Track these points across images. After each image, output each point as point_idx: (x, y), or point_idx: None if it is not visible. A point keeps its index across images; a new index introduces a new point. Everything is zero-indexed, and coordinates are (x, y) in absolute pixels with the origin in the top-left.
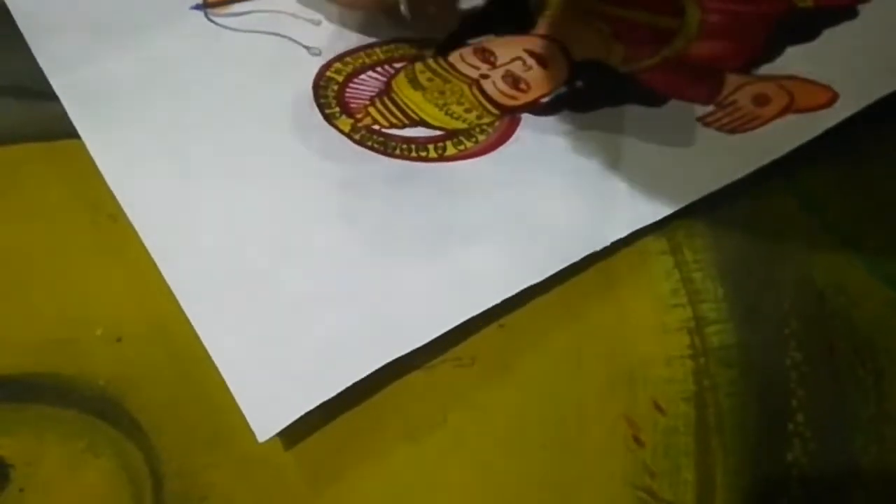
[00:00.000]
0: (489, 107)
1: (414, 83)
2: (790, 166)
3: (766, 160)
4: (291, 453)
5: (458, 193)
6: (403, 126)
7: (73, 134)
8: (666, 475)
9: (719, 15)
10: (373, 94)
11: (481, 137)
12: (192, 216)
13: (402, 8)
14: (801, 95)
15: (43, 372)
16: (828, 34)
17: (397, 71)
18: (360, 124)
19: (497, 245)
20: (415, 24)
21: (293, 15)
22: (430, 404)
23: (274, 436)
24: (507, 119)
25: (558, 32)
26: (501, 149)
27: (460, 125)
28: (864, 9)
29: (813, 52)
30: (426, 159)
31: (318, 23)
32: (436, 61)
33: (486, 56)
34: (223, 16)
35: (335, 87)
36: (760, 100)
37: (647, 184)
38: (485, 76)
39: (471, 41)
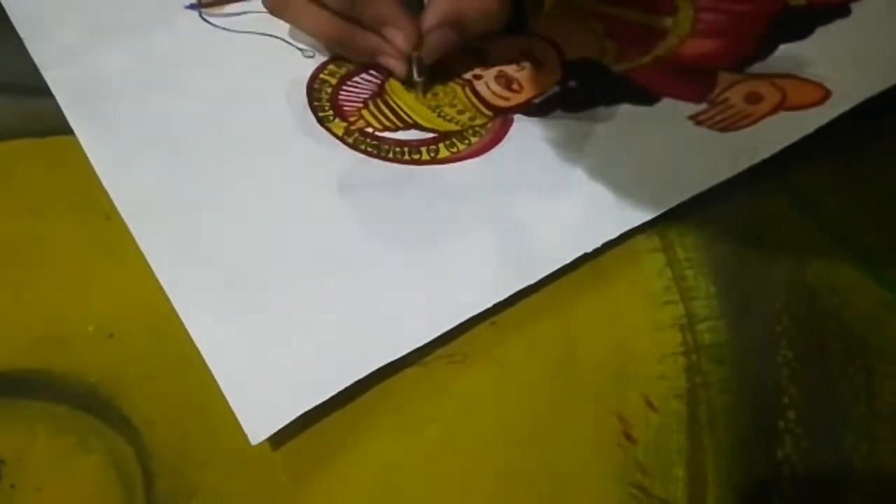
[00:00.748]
0: (482, 108)
1: (407, 85)
2: (782, 164)
3: (757, 158)
4: (283, 449)
5: (450, 196)
6: (396, 129)
7: (66, 130)
8: (658, 472)
9: (712, 13)
10: (366, 96)
11: (474, 139)
12: (185, 215)
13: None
14: (794, 93)
15: (34, 368)
16: (821, 32)
17: (390, 73)
18: (353, 127)
19: (490, 247)
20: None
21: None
22: (423, 400)
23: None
24: (499, 120)
25: (551, 32)
26: (493, 151)
27: (453, 127)
28: (856, 7)
29: (805, 50)
30: (419, 162)
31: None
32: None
33: (480, 57)
34: (217, 15)
35: (329, 90)
36: (752, 98)
37: (640, 183)
38: (478, 77)
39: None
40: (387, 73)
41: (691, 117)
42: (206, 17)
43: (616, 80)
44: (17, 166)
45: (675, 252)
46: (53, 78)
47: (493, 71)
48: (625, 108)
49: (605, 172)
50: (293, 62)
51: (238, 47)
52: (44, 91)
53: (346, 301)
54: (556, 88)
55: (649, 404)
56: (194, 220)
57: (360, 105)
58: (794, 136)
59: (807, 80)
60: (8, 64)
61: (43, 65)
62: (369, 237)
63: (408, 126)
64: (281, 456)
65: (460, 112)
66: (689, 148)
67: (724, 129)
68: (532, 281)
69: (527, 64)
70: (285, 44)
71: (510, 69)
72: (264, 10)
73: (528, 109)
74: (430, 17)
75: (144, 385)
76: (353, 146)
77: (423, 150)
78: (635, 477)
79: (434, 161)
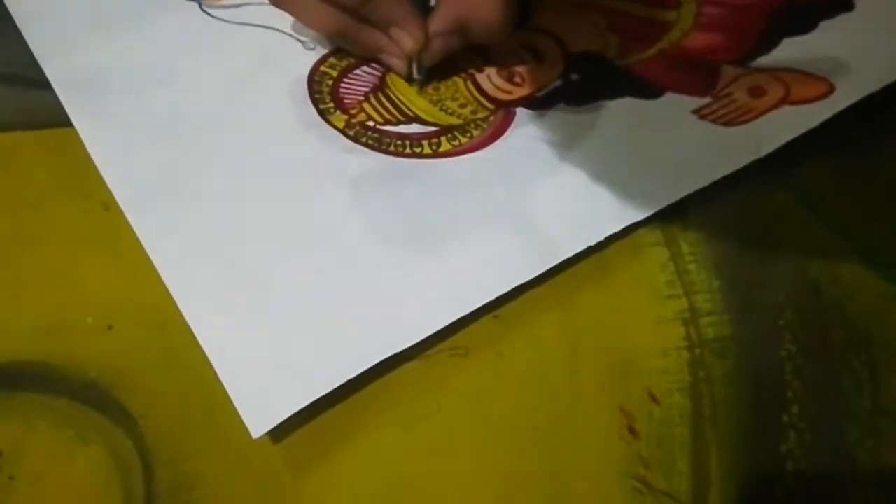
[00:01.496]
0: (484, 101)
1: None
2: (785, 158)
3: (761, 153)
4: (283, 443)
5: (452, 189)
6: (398, 122)
7: (65, 122)
8: (661, 466)
9: (715, 7)
10: (367, 89)
11: (476, 133)
12: (184, 207)
13: (416, 75)
14: (798, 87)
15: (33, 360)
16: (824, 26)
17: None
18: (354, 120)
19: (492, 241)
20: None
21: None
22: (425, 394)
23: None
24: (501, 113)
25: (553, 25)
26: (496, 144)
27: (455, 121)
28: (860, 1)
29: (809, 44)
30: (421, 155)
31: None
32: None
33: (482, 50)
34: (218, 7)
35: (329, 83)
36: (756, 92)
37: (643, 177)
38: (480, 70)
39: None
40: (388, 67)
41: (695, 111)
42: (205, 8)
43: (619, 73)
44: (16, 158)
45: (679, 246)
46: (52, 69)
47: (496, 65)
48: (628, 102)
49: (608, 166)
50: (294, 54)
51: (238, 39)
52: (42, 83)
53: (347, 294)
54: (559, 82)
55: (652, 398)
56: (194, 211)
57: (361, 98)
58: (798, 131)
59: (810, 75)
60: (6, 55)
61: (42, 56)
62: (370, 230)
63: (409, 119)
64: (282, 449)
65: (462, 105)
66: (693, 142)
67: (727, 124)
68: (535, 274)
69: (529, 57)
70: (286, 36)
71: (512, 62)
72: (265, 1)
73: (531, 103)
74: (437, 23)
75: (144, 377)
76: (355, 139)
77: (425, 143)
78: (638, 471)
79: (436, 154)
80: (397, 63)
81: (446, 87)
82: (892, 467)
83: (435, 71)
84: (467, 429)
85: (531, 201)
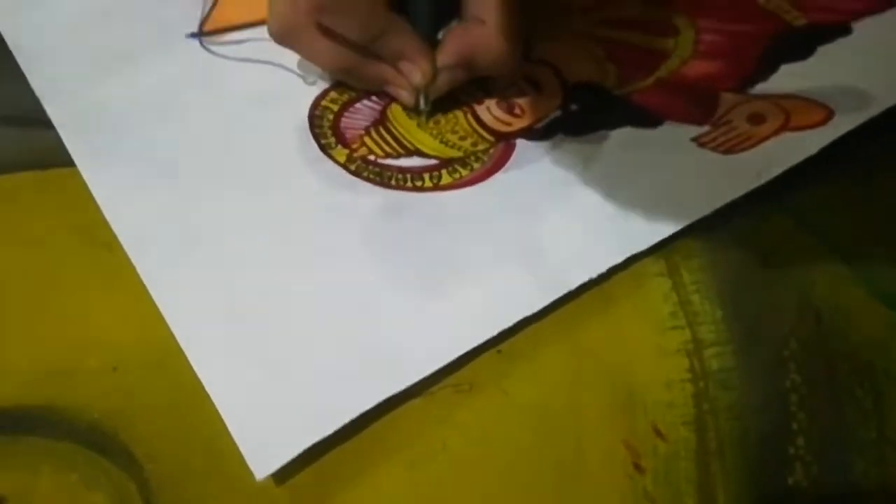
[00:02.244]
0: (484, 133)
1: (409, 112)
2: (785, 183)
3: (762, 180)
4: (287, 484)
5: (453, 223)
6: (399, 155)
7: (68, 162)
8: (667, 502)
9: (714, 34)
10: (368, 123)
11: (476, 165)
12: (188, 247)
13: (422, 106)
14: (797, 114)
15: (36, 404)
16: (822, 52)
17: (392, 100)
18: (355, 154)
19: (494, 274)
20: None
21: None
22: (430, 431)
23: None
24: (501, 145)
25: (552, 56)
26: (496, 176)
27: (455, 153)
28: (857, 26)
29: (808, 70)
30: (422, 189)
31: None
32: None
33: (481, 82)
34: (219, 44)
35: (330, 117)
36: (755, 119)
37: (644, 207)
38: (480, 102)
39: None
40: (388, 100)
41: (694, 139)
42: (206, 45)
43: (618, 102)
44: (18, 199)
45: (681, 276)
46: (55, 109)
47: (495, 96)
48: (627, 132)
49: (609, 196)
50: (295, 90)
51: (239, 76)
52: (45, 123)
53: (348, 332)
54: (558, 112)
55: (657, 432)
56: (197, 251)
57: (362, 132)
58: (798, 157)
59: (810, 101)
60: (8, 96)
61: (44, 96)
62: (372, 266)
63: (410, 153)
64: (286, 490)
65: (462, 138)
66: (693, 170)
67: (727, 151)
68: (538, 308)
69: (528, 88)
70: (287, 72)
71: (512, 94)
72: (265, 38)
73: (531, 134)
74: (445, 57)
75: (148, 419)
76: (356, 174)
77: (426, 176)
78: None
79: (437, 188)
80: (404, 95)
81: (447, 120)
82: None
83: (437, 103)
84: (472, 467)
85: (533, 233)
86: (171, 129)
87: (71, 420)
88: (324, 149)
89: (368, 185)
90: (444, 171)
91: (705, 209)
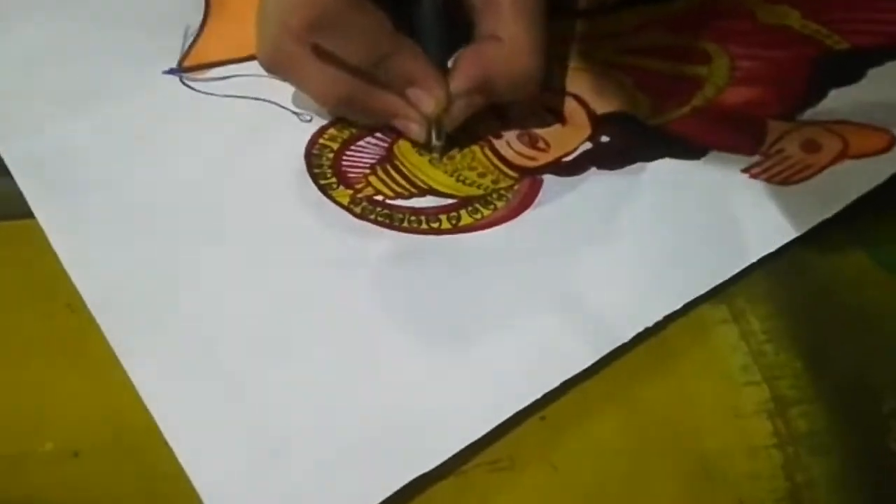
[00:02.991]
0: (505, 169)
1: (418, 147)
2: (852, 215)
3: (828, 212)
4: None
5: (478, 269)
6: (410, 195)
7: (27, 213)
8: None
9: (750, 61)
10: (373, 161)
11: (500, 204)
12: (165, 307)
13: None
14: (856, 140)
15: None
16: (873, 74)
17: (399, 135)
18: (360, 195)
19: (531, 327)
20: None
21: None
22: None
23: None
24: (527, 181)
25: (575, 85)
26: (524, 215)
27: (475, 191)
28: None
29: (860, 94)
30: (439, 231)
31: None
32: None
33: (498, 114)
34: (201, 80)
35: (330, 156)
36: (810, 146)
37: (698, 246)
38: (498, 135)
39: None
40: (395, 135)
41: (745, 170)
42: (187, 82)
43: (654, 133)
44: None
45: (749, 322)
46: (11, 151)
47: (515, 129)
48: (668, 163)
49: (656, 235)
50: (289, 128)
51: (225, 114)
52: (4, 170)
53: (361, 403)
54: (588, 145)
55: None
56: (176, 312)
57: (367, 171)
58: (865, 187)
59: (867, 126)
60: None
61: (1, 140)
62: (386, 323)
63: (423, 192)
64: None
65: (481, 175)
66: (749, 204)
67: (784, 182)
68: (586, 365)
69: (552, 119)
70: (279, 108)
71: (534, 126)
72: (254, 73)
73: (558, 169)
74: (460, 81)
75: None
76: (362, 216)
77: (443, 217)
78: None
79: (456, 229)
80: (414, 129)
81: (462, 156)
82: None
83: (450, 138)
84: None
85: (573, 279)
86: (146, 175)
87: None
88: (324, 190)
89: (377, 229)
90: (463, 212)
91: (768, 246)
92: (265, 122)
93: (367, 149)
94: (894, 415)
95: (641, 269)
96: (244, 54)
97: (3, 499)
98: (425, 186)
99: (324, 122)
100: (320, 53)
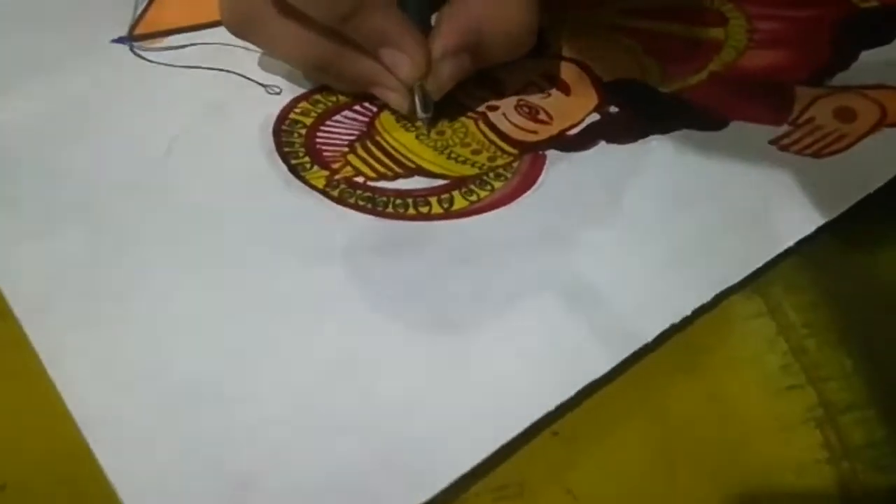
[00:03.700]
0: (503, 145)
1: (403, 122)
2: (891, 191)
3: (869, 188)
4: None
5: (475, 259)
6: (395, 176)
7: None
8: None
9: (770, 21)
10: (352, 137)
11: (498, 184)
12: (109, 312)
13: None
14: (895, 106)
15: None
16: None
17: (382, 107)
18: (338, 177)
19: (539, 325)
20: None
21: (245, 48)
22: None
23: None
24: (528, 158)
25: (578, 51)
26: (527, 196)
27: (469, 170)
28: None
29: (894, 55)
30: (429, 217)
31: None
32: None
33: (492, 83)
34: (155, 50)
35: (302, 132)
36: (844, 114)
37: (725, 228)
38: (493, 107)
39: None
40: (378, 107)
41: (773, 142)
42: (138, 51)
43: (669, 101)
44: None
45: (786, 315)
46: None
47: (512, 100)
48: (686, 135)
49: (676, 218)
50: (254, 101)
51: (181, 87)
52: None
53: (340, 422)
54: (595, 116)
55: None
56: (119, 317)
57: (346, 149)
58: None
59: None
60: None
61: None
62: (372, 325)
63: (410, 172)
64: None
65: (476, 151)
66: (780, 180)
67: (816, 154)
68: (604, 370)
69: (553, 89)
70: (243, 79)
71: (533, 97)
72: (216, 41)
73: (563, 143)
74: (443, 40)
75: None
76: (339, 200)
77: (433, 200)
78: None
79: (449, 214)
80: (395, 98)
81: (453, 131)
82: None
83: (439, 109)
84: None
85: (584, 270)
86: (88, 159)
87: None
88: (295, 171)
89: (358, 215)
90: (455, 193)
91: (805, 228)
92: (228, 96)
93: (345, 123)
94: None
95: (662, 257)
96: (205, 20)
97: None
98: (412, 165)
99: (295, 94)
100: (287, 11)
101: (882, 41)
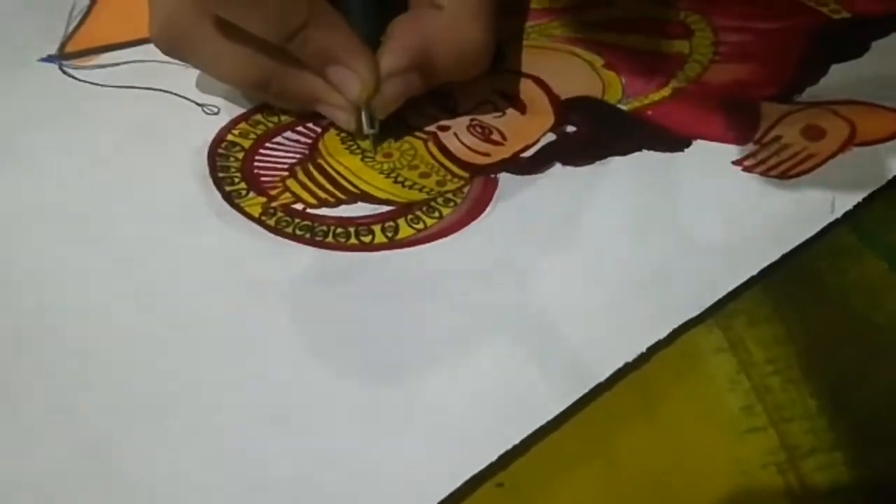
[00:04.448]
0: (454, 168)
1: (349, 143)
2: (864, 213)
3: (836, 212)
4: None
5: (420, 292)
6: (337, 203)
7: None
8: None
9: (737, 34)
10: (293, 160)
11: (446, 210)
12: (17, 348)
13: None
14: (865, 123)
15: None
16: (878, 47)
17: (325, 128)
18: (275, 204)
19: (483, 369)
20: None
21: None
22: None
23: None
24: (479, 182)
25: (534, 66)
26: (476, 224)
27: (416, 195)
28: None
29: (866, 69)
30: (370, 247)
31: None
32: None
33: (443, 101)
34: (85, 68)
35: (239, 155)
36: (812, 133)
37: (685, 256)
38: (444, 127)
39: None
40: (322, 127)
41: (737, 162)
42: (68, 70)
43: (628, 120)
44: None
45: (748, 350)
46: None
47: (464, 119)
48: (645, 157)
49: (634, 245)
50: (189, 122)
51: (112, 107)
52: None
53: (273, 474)
54: (551, 136)
55: None
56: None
57: (284, 173)
58: (878, 180)
59: (877, 106)
60: None
61: None
62: (305, 364)
63: (353, 197)
64: None
65: (424, 175)
66: (744, 204)
67: (783, 175)
68: (553, 413)
69: (508, 107)
70: (179, 98)
71: (486, 116)
72: (150, 58)
73: (516, 165)
74: (391, 59)
75: None
76: (276, 230)
77: (377, 229)
78: None
79: (392, 244)
80: (341, 116)
81: (402, 152)
82: None
83: (385, 128)
84: None
85: (535, 302)
86: (9, 183)
87: None
88: (230, 198)
89: (295, 245)
90: (401, 221)
91: (769, 255)
92: (161, 117)
93: (286, 146)
94: None
95: (618, 289)
96: (141, 35)
97: None
98: (356, 191)
99: (234, 114)
100: (223, 27)
101: (853, 54)
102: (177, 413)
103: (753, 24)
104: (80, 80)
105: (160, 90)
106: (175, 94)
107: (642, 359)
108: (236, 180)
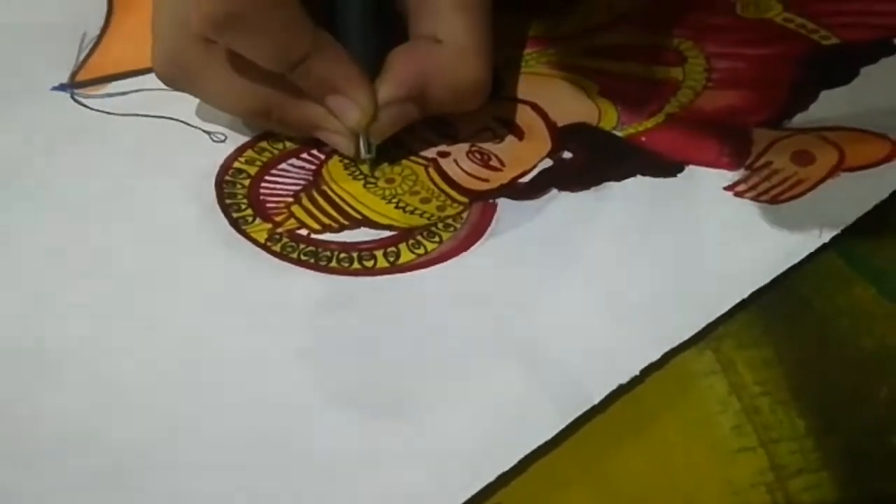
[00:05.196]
0: (453, 193)
1: (352, 170)
2: (852, 237)
3: (824, 237)
4: None
5: (421, 316)
6: (340, 228)
7: None
8: None
9: (729, 60)
10: (297, 187)
11: (446, 235)
12: (27, 377)
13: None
14: (854, 149)
15: None
16: (867, 73)
17: (329, 155)
18: (280, 230)
19: (483, 389)
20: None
21: None
22: None
23: None
24: (478, 207)
25: (532, 93)
26: (474, 248)
27: (417, 221)
28: None
29: (855, 95)
30: (373, 271)
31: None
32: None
33: (444, 128)
34: (96, 97)
35: (246, 182)
36: (802, 158)
37: (676, 281)
38: (444, 154)
39: None
40: (326, 154)
41: (728, 188)
42: (79, 98)
43: (623, 146)
44: None
45: (739, 373)
46: None
47: (464, 146)
48: (640, 182)
49: (628, 269)
50: (197, 149)
51: (122, 135)
52: None
53: (277, 493)
54: (548, 162)
55: None
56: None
57: (290, 199)
58: (865, 204)
59: (864, 132)
60: None
61: None
62: (308, 387)
63: (356, 223)
64: None
65: (425, 200)
66: (735, 229)
67: (773, 200)
68: (548, 435)
69: (506, 134)
70: (187, 126)
71: (485, 142)
72: (157, 86)
73: (515, 191)
74: (389, 88)
75: None
76: (281, 256)
77: (379, 254)
78: None
79: (394, 268)
80: (340, 141)
81: (403, 179)
82: None
83: (387, 155)
84: None
85: (529, 328)
86: (21, 213)
87: None
88: (237, 225)
89: (300, 270)
90: (402, 246)
91: (758, 279)
92: (170, 145)
93: (291, 172)
94: None
95: (612, 311)
96: (149, 65)
97: None
98: (358, 216)
99: (240, 141)
100: (226, 58)
101: (844, 80)
102: (177, 441)
103: (744, 51)
104: (91, 109)
105: (169, 118)
106: (183, 122)
107: (636, 381)
108: (243, 207)
